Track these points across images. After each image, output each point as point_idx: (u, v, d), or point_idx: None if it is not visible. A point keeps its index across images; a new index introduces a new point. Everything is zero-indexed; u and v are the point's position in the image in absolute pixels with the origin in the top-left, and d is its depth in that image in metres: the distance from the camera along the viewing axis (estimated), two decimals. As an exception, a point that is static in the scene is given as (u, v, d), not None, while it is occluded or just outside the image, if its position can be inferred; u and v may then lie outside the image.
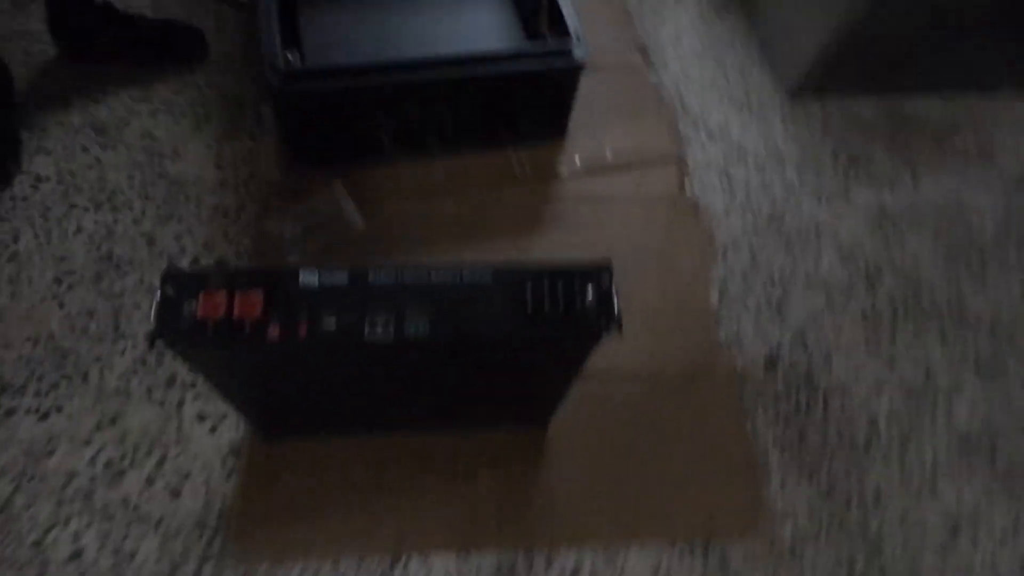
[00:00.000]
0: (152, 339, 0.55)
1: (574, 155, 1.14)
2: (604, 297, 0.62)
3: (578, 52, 0.99)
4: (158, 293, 0.55)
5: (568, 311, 0.62)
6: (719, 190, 1.15)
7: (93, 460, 0.80)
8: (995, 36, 1.21)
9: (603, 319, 0.62)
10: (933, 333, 1.05)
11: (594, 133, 1.17)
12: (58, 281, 0.91)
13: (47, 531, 0.75)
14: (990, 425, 0.99)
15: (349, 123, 0.99)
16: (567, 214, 1.08)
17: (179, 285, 0.57)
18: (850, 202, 1.16)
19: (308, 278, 0.60)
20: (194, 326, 0.56)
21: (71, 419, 0.81)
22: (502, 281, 0.62)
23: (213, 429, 0.83)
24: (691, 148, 1.19)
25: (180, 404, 0.84)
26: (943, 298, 1.08)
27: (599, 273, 0.64)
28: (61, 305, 0.89)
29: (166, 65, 1.11)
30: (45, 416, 0.82)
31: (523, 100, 1.05)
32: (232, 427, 0.83)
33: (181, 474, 0.80)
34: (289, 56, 0.95)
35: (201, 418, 0.84)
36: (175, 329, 0.56)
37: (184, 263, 0.95)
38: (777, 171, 1.18)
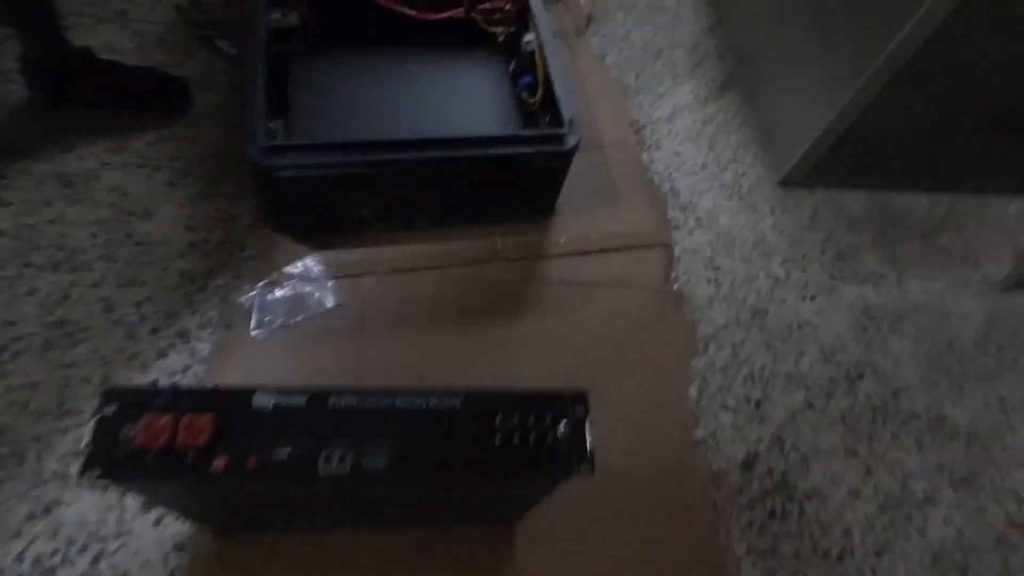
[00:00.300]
0: (83, 470, 0.51)
1: (560, 235, 1.12)
2: (577, 431, 0.59)
3: (571, 139, 0.98)
4: (93, 422, 0.51)
5: (539, 445, 0.59)
6: (704, 280, 1.13)
7: (21, 556, 0.74)
8: (987, 138, 1.22)
9: (575, 456, 0.58)
10: (911, 439, 1.04)
11: (582, 213, 1.15)
12: (1, 349, 0.85)
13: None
14: (963, 540, 0.97)
15: (330, 199, 0.96)
16: (549, 297, 1.05)
17: (121, 406, 0.53)
18: (835, 299, 1.15)
19: (262, 400, 0.56)
20: (132, 455, 0.52)
21: (0, 507, 0.76)
22: (470, 410, 0.59)
23: (158, 522, 0.78)
24: (679, 233, 1.18)
25: (124, 492, 0.79)
26: (922, 404, 1.07)
27: (574, 404, 0.60)
28: (2, 376, 0.83)
29: (145, 115, 1.07)
30: (-27, 501, 0.76)
31: (512, 182, 1.03)
32: (178, 520, 0.78)
33: (118, 573, 0.74)
34: (272, 126, 0.92)
35: (146, 508, 0.79)
36: (110, 459, 0.51)
37: (143, 333, 0.90)
38: (764, 263, 1.17)
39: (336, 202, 0.97)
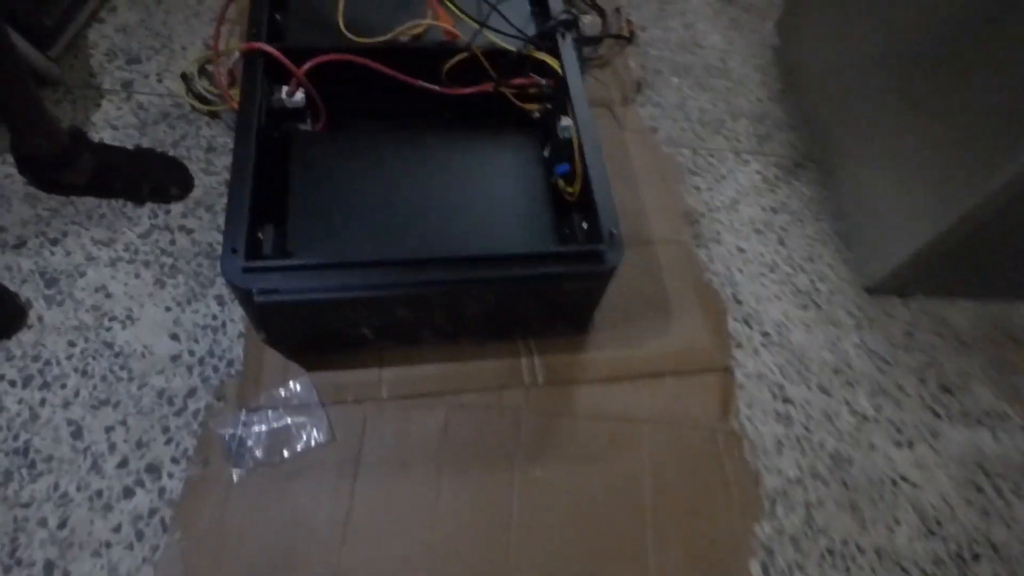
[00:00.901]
0: None
1: (595, 355, 0.95)
2: None
3: (611, 257, 0.81)
4: None
5: None
6: (772, 416, 0.93)
7: None
8: None
9: None
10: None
11: (623, 326, 0.97)
12: (-49, 484, 0.75)
13: None
14: None
15: (324, 322, 0.83)
16: (579, 435, 0.88)
17: None
18: (939, 447, 0.93)
19: None
20: None
21: None
22: None
23: None
24: (741, 354, 0.99)
25: None
26: (1058, 595, 0.84)
27: None
28: (-53, 518, 0.73)
29: (141, 200, 0.98)
30: None
31: (539, 302, 0.87)
32: None
33: None
34: (260, 235, 0.80)
35: None
36: None
37: (110, 466, 0.79)
38: (847, 394, 0.96)
39: (331, 324, 0.84)
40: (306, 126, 0.99)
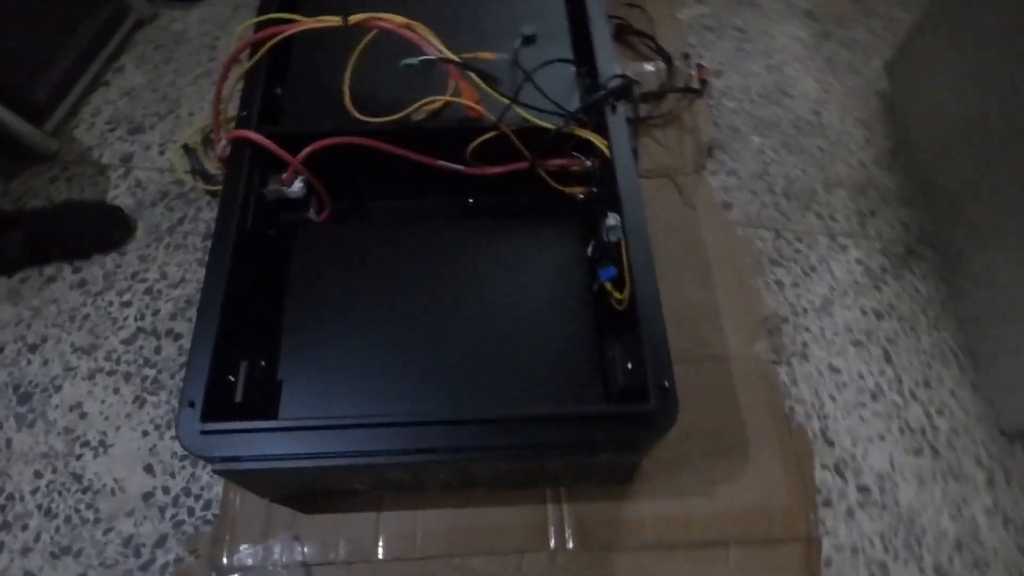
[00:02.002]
0: None
1: (641, 511, 0.77)
2: None
3: (662, 419, 0.63)
4: None
5: None
6: (871, 610, 0.73)
7: None
8: None
9: None
10: None
11: (677, 475, 0.78)
12: None
13: None
14: None
15: (305, 483, 0.69)
16: (617, 624, 0.71)
17: None
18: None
19: None
20: None
21: None
22: None
23: None
24: (830, 515, 0.77)
25: None
26: None
27: None
28: None
29: (86, 255, 0.91)
30: None
31: (568, 466, 0.70)
32: None
33: None
34: (231, 378, 0.67)
35: None
36: None
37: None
38: (975, 584, 0.74)
39: (313, 485, 0.70)
40: (310, 213, 0.86)
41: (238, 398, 0.66)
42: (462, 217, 0.88)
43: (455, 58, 0.78)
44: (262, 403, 0.68)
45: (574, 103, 0.83)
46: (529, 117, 0.80)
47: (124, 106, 1.08)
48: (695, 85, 1.07)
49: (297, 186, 0.81)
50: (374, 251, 0.82)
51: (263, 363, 0.71)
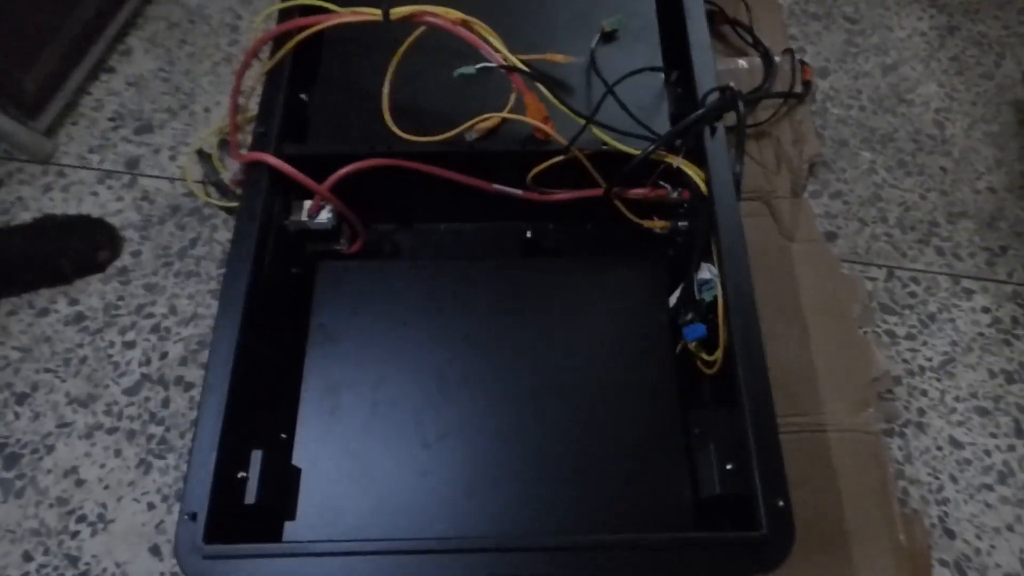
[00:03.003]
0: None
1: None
2: None
3: (774, 549, 0.50)
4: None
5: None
6: None
7: None
8: None
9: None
10: None
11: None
12: None
13: None
14: None
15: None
16: None
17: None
18: None
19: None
20: None
21: None
22: None
23: None
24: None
25: None
26: None
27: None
28: None
29: (68, 279, 0.79)
30: None
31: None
32: None
33: None
34: (242, 475, 0.55)
35: None
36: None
37: None
38: None
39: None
40: (339, 244, 0.73)
41: (250, 499, 0.54)
42: (518, 255, 0.74)
43: (522, 66, 0.63)
44: (278, 499, 0.56)
45: (662, 118, 0.68)
46: (608, 140, 0.65)
47: (131, 98, 0.94)
48: (797, 88, 0.89)
49: (325, 216, 0.68)
50: (412, 295, 0.68)
51: (279, 448, 0.59)
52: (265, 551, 0.49)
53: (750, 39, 0.93)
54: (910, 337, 0.79)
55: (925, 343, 0.79)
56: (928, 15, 1.03)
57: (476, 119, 0.65)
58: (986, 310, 0.81)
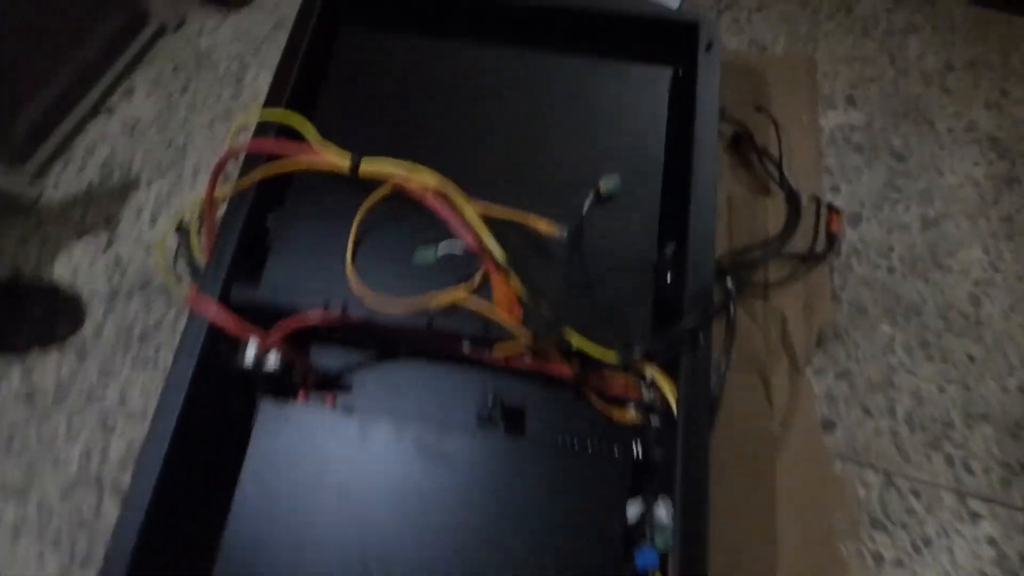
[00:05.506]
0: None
1: None
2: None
3: None
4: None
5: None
6: None
7: None
8: None
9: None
10: None
11: None
12: None
13: None
14: None
15: None
16: None
17: None
18: None
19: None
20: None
21: None
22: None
23: None
24: None
25: None
26: None
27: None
28: None
29: (18, 351, 0.77)
30: None
31: None
32: None
33: None
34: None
35: None
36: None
37: None
38: None
39: None
40: (289, 381, 0.68)
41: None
42: (473, 423, 0.67)
43: (494, 249, 0.56)
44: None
45: (646, 311, 0.61)
46: (578, 342, 0.58)
47: (123, 146, 0.91)
48: (820, 244, 0.80)
49: (272, 360, 0.64)
50: (361, 458, 0.63)
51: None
52: None
53: (776, 175, 0.83)
54: (898, 564, 0.71)
55: (915, 574, 0.71)
56: (987, 160, 0.90)
57: (437, 296, 0.59)
58: (992, 541, 0.72)
